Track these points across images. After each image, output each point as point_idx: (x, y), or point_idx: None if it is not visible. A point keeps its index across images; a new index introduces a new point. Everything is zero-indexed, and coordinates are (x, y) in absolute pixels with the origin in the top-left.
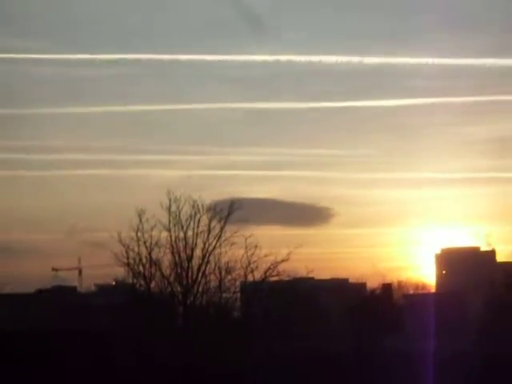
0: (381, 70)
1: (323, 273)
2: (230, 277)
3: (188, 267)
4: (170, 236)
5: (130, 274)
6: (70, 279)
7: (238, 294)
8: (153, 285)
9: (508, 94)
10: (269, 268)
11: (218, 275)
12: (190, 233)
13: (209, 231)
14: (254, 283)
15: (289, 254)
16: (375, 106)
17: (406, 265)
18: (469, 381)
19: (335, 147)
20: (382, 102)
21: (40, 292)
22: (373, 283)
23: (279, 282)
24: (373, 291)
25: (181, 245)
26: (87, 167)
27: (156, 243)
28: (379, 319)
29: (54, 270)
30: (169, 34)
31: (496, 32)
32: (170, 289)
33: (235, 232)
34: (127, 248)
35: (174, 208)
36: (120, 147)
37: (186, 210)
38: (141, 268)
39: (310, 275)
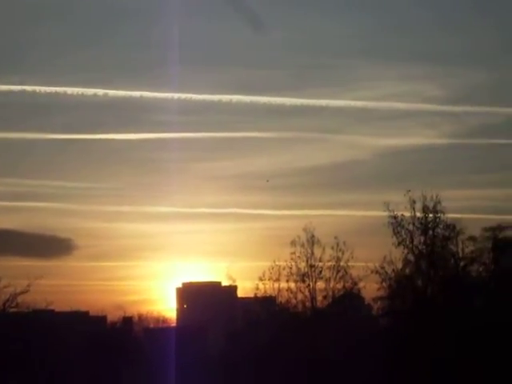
0: (125, 103)
1: (63, 305)
2: None
3: None
4: None
5: None
6: None
7: None
8: None
9: (251, 131)
10: (8, 299)
11: None
12: None
13: None
14: None
15: (28, 286)
16: (118, 139)
17: (147, 298)
18: None
19: (77, 179)
20: (125, 135)
21: None
22: (113, 316)
23: (18, 314)
24: (113, 324)
25: None
26: None
27: None
28: (118, 352)
29: None
30: None
31: (241, 69)
32: None
33: None
34: None
35: None
36: None
37: None
38: None
39: (50, 307)
